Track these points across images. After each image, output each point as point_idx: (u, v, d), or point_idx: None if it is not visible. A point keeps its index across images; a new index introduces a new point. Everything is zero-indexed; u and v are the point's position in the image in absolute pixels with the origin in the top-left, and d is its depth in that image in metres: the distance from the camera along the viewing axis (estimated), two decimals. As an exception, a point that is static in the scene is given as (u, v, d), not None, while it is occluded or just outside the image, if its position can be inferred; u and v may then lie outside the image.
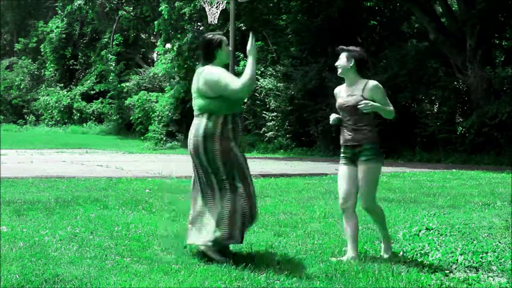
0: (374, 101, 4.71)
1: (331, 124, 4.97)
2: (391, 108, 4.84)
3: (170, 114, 27.91)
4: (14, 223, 6.39)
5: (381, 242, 5.10)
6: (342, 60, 4.87)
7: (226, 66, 4.97)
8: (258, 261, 4.79)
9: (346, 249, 4.98)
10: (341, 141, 4.91)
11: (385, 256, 4.95)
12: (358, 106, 4.68)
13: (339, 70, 4.90)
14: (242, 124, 4.94)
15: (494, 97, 18.90)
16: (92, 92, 39.67)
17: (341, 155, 4.93)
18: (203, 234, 4.82)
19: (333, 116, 4.93)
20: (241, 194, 4.76)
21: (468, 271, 4.72)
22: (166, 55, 30.42)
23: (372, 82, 4.81)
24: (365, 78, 4.88)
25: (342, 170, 4.91)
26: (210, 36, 4.92)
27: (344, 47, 4.91)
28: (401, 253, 5.25)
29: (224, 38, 4.92)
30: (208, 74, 4.75)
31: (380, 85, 4.84)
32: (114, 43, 39.12)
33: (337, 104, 4.93)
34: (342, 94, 4.92)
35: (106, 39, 40.29)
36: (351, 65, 4.84)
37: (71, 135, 35.56)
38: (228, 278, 4.32)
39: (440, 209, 7.87)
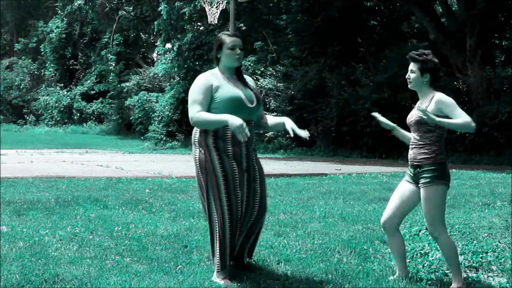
0: (442, 117, 4.15)
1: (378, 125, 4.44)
2: (462, 120, 4.16)
3: (170, 114, 27.92)
4: (14, 223, 6.40)
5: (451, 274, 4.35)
6: (416, 73, 4.25)
7: (235, 71, 4.50)
8: (258, 261, 4.79)
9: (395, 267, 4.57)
10: (408, 158, 4.38)
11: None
12: (417, 112, 4.19)
13: (410, 85, 4.33)
14: (252, 133, 4.41)
15: (494, 97, 18.91)
16: (92, 92, 39.70)
17: (407, 171, 4.41)
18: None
19: (379, 117, 4.45)
20: (215, 225, 4.38)
21: (468, 271, 4.72)
22: (166, 55, 30.44)
23: (437, 95, 4.22)
24: (433, 88, 4.32)
25: (401, 186, 4.41)
26: (217, 36, 4.57)
27: (416, 56, 4.27)
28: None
29: (230, 40, 4.45)
30: (195, 82, 4.47)
31: (446, 98, 4.22)
32: (114, 43, 39.15)
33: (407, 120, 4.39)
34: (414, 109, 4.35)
35: (106, 39, 40.33)
36: (426, 80, 4.26)
37: (71, 135, 35.57)
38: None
39: (440, 209, 7.86)
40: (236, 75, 4.51)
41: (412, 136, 4.34)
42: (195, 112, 4.30)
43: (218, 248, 4.32)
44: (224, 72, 4.47)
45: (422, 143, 4.24)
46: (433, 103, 4.19)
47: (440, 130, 4.26)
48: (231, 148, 4.33)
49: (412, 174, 4.31)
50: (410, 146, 4.33)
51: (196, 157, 4.41)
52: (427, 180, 4.17)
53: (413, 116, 4.27)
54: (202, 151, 4.35)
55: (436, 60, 4.27)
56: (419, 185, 4.23)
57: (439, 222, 4.21)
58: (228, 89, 4.36)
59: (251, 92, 4.45)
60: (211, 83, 4.37)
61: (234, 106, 4.32)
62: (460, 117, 4.16)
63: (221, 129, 4.32)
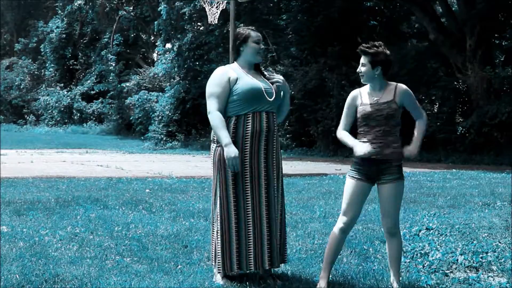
0: (402, 107, 4.12)
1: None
2: (425, 123, 4.21)
3: (170, 114, 27.93)
4: (14, 223, 6.40)
5: (392, 274, 4.21)
6: (366, 67, 4.10)
7: (254, 66, 4.45)
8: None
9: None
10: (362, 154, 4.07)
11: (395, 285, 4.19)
12: (406, 155, 4.06)
13: (363, 78, 4.15)
14: (273, 126, 4.32)
15: (494, 97, 18.90)
16: (92, 92, 39.70)
17: (356, 168, 4.12)
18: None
19: (366, 149, 3.99)
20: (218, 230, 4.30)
21: (468, 271, 4.72)
22: (166, 55, 30.45)
23: (403, 86, 4.13)
24: (386, 79, 4.19)
25: (356, 186, 4.12)
26: (240, 30, 4.52)
27: (366, 49, 4.12)
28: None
29: (255, 34, 4.41)
30: (212, 75, 4.43)
31: (409, 90, 4.18)
32: (114, 43, 39.13)
33: (362, 113, 4.11)
34: (366, 100, 4.13)
35: (106, 39, 40.31)
36: (377, 73, 4.10)
37: (71, 135, 35.56)
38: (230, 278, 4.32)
39: (440, 209, 7.87)
40: (255, 69, 4.46)
41: (368, 130, 4.08)
42: (214, 109, 4.26)
43: (220, 250, 4.23)
44: (244, 66, 4.42)
45: (390, 138, 4.07)
46: (399, 95, 4.09)
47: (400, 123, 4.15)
48: (249, 142, 4.25)
49: (369, 172, 4.07)
50: (369, 141, 4.06)
51: (212, 154, 4.36)
52: (397, 175, 4.08)
53: (381, 111, 4.05)
54: (218, 148, 4.29)
55: (387, 52, 4.12)
56: (383, 181, 4.08)
57: (398, 217, 4.19)
58: (248, 81, 4.31)
59: (270, 85, 4.39)
60: (228, 76, 4.33)
61: (254, 97, 4.27)
62: (421, 114, 4.20)
63: (241, 120, 4.26)
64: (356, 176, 4.11)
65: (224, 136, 4.19)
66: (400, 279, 4.24)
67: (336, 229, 4.17)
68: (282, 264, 4.57)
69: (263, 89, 4.31)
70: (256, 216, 4.24)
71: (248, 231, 4.22)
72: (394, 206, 4.10)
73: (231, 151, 4.15)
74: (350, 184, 4.14)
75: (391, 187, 4.07)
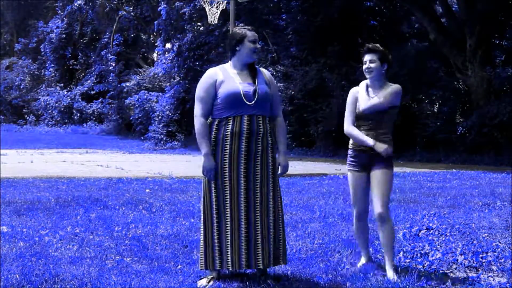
0: (386, 107, 4.41)
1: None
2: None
3: (170, 114, 27.93)
4: (14, 223, 6.40)
5: (386, 262, 4.46)
6: (376, 63, 4.41)
7: (248, 65, 4.39)
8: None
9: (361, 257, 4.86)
10: (356, 145, 4.54)
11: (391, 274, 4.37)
12: (378, 150, 4.41)
13: (372, 74, 4.43)
14: (259, 128, 4.29)
15: (494, 97, 18.91)
16: (92, 92, 39.71)
17: (351, 160, 4.58)
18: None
19: (384, 147, 4.44)
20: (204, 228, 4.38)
21: (468, 271, 4.72)
22: (166, 55, 30.46)
23: (398, 86, 4.44)
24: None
25: (355, 178, 4.59)
26: (236, 29, 4.46)
27: (375, 47, 4.45)
28: (401, 253, 5.25)
29: (251, 33, 4.37)
30: (202, 76, 4.45)
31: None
32: (114, 43, 39.13)
33: (359, 108, 4.46)
34: (363, 97, 4.44)
35: (106, 39, 40.32)
36: (384, 69, 4.45)
37: (71, 135, 35.57)
38: (228, 278, 4.32)
39: (440, 209, 7.87)
40: (248, 69, 4.41)
41: (365, 124, 4.47)
42: (199, 113, 4.34)
43: (203, 247, 4.31)
44: (236, 66, 4.40)
45: (382, 131, 4.44)
46: (391, 94, 4.39)
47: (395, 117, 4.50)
48: (229, 143, 4.25)
49: (364, 161, 4.47)
50: (363, 132, 4.45)
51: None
52: (388, 163, 4.43)
53: (375, 104, 4.37)
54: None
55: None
56: (375, 168, 4.43)
57: (388, 204, 4.46)
58: (229, 85, 4.29)
59: (254, 88, 4.30)
60: (214, 79, 4.34)
61: (233, 102, 4.26)
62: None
63: (222, 123, 4.28)
64: (353, 168, 4.56)
65: (205, 145, 4.27)
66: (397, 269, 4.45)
67: (353, 217, 4.67)
68: (282, 265, 4.57)
69: (241, 93, 4.27)
70: (234, 216, 4.24)
71: (226, 230, 4.25)
72: (383, 189, 4.39)
73: (208, 163, 4.24)
74: (350, 177, 4.61)
75: (381, 172, 4.40)
